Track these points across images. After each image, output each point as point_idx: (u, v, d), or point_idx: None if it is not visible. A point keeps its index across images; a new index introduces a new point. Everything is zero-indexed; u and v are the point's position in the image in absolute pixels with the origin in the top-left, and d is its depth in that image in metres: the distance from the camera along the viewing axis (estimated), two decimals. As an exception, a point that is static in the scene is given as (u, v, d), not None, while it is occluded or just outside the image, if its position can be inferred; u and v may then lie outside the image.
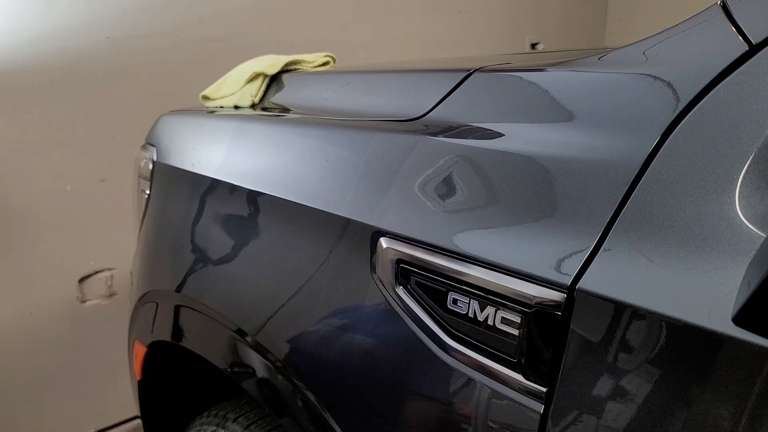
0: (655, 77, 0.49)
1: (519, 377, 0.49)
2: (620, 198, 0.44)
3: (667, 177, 0.43)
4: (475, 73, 0.66)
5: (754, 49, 0.43)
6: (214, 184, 0.90)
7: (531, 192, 0.51)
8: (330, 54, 1.23)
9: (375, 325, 0.62)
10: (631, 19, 3.37)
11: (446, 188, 0.58)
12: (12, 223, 1.72)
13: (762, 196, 0.39)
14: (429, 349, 0.55)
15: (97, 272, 1.91)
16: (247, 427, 0.95)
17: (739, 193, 0.39)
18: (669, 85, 0.47)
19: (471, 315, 0.52)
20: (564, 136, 0.52)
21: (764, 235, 0.37)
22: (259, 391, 0.81)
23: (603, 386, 0.43)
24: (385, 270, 0.59)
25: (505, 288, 0.49)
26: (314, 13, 2.24)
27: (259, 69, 1.11)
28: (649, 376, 0.40)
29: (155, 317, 1.05)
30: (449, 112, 0.66)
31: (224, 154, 0.91)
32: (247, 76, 1.11)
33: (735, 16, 0.47)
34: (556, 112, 0.56)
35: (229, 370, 0.86)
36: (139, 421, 1.38)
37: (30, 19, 1.65)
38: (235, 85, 1.13)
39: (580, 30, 3.39)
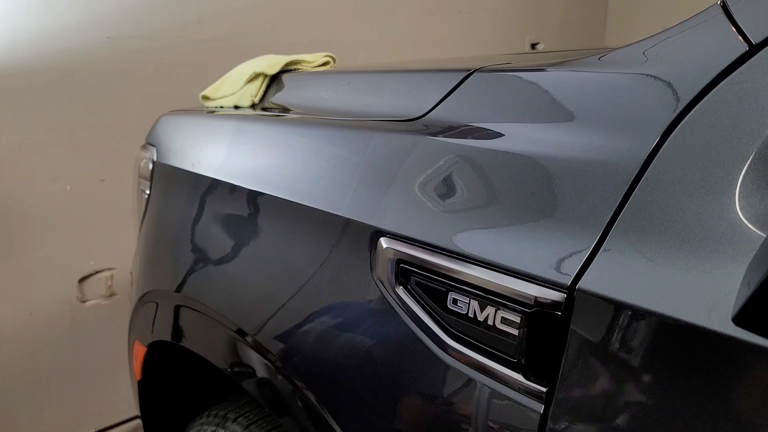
0: (655, 77, 0.49)
1: (519, 377, 0.49)
2: (620, 198, 0.44)
3: (667, 177, 0.43)
4: (475, 73, 0.66)
5: (754, 49, 0.43)
6: (214, 184, 0.90)
7: (531, 192, 0.51)
8: (330, 54, 1.23)
9: (375, 325, 0.62)
10: (631, 19, 3.37)
11: (446, 188, 0.58)
12: (12, 223, 1.72)
13: (762, 196, 0.39)
14: (429, 349, 0.55)
15: (97, 272, 1.91)
16: (247, 427, 0.95)
17: (739, 193, 0.39)
18: (669, 85, 0.47)
19: (471, 315, 0.52)
20: (564, 136, 0.52)
21: (764, 235, 0.37)
22: (259, 391, 0.81)
23: (603, 386, 0.43)
24: (385, 270, 0.59)
25: (505, 288, 0.49)
26: (314, 13, 2.24)
27: (259, 69, 1.11)
28: (649, 376, 0.40)
29: (155, 317, 1.05)
30: (449, 112, 0.66)
31: (224, 154, 0.91)
32: (247, 76, 1.11)
33: (735, 16, 0.47)
34: (556, 112, 0.56)
35: (229, 370, 0.86)
36: (139, 421, 1.38)
37: (30, 19, 1.64)
38: (235, 85, 1.13)
39: (580, 30, 3.39)
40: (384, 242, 0.60)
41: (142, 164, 1.12)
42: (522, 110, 0.59)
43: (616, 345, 0.42)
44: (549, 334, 0.46)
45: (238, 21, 2.04)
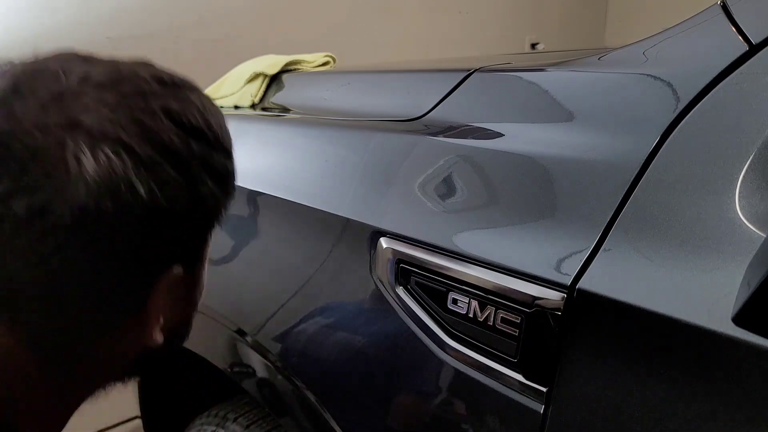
0: (655, 77, 0.49)
1: (519, 377, 0.49)
2: (620, 198, 0.44)
3: (667, 177, 0.43)
4: (475, 73, 0.66)
5: (754, 49, 0.43)
6: (214, 184, 0.89)
7: (531, 192, 0.51)
8: (330, 54, 1.23)
9: (375, 325, 0.62)
10: (631, 19, 3.37)
11: (446, 188, 0.58)
12: (12, 223, 1.72)
13: (762, 196, 0.39)
14: (429, 349, 0.55)
15: (97, 272, 1.90)
16: (247, 427, 0.95)
17: (739, 193, 0.39)
18: (669, 85, 0.47)
19: (471, 315, 0.52)
20: (564, 136, 0.52)
21: (764, 235, 0.37)
22: (259, 391, 0.81)
23: (603, 386, 0.43)
24: (385, 270, 0.59)
25: (505, 288, 0.49)
26: (314, 13, 2.24)
27: (259, 69, 1.11)
28: (648, 376, 0.40)
29: (155, 317, 1.04)
30: (449, 112, 0.66)
31: (224, 154, 0.91)
32: (247, 76, 1.11)
33: (735, 16, 0.47)
34: (556, 112, 0.56)
35: (229, 370, 0.86)
36: (139, 421, 1.37)
37: (30, 19, 1.64)
38: (235, 85, 1.13)
39: (580, 30, 3.39)
40: (384, 242, 0.60)
41: (142, 164, 1.12)
42: (522, 110, 0.59)
43: (616, 345, 0.42)
44: (549, 334, 0.46)
45: (238, 21, 2.04)
